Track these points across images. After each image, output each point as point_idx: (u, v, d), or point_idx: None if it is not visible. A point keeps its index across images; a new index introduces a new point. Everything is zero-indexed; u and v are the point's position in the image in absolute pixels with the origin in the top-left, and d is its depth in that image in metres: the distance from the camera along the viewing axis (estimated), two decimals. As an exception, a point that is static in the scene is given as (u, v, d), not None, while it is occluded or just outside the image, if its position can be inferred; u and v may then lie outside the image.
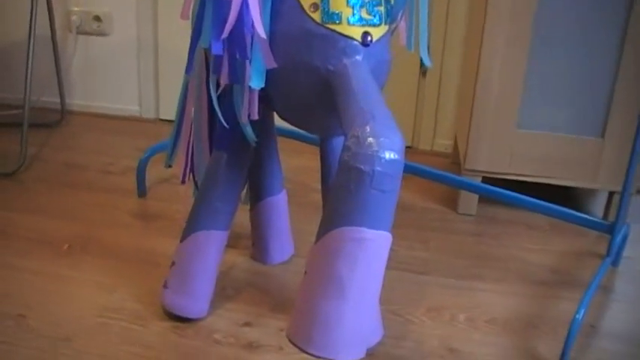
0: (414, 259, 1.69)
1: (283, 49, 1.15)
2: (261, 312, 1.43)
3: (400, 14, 1.26)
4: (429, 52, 1.24)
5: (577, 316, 1.31)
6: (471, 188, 1.84)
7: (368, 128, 1.01)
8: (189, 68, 1.30)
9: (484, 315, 1.48)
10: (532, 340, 1.40)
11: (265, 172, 1.53)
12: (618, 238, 1.60)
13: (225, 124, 1.27)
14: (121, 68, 2.62)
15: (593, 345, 1.40)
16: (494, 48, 1.78)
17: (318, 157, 1.41)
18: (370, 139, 1.00)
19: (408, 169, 1.80)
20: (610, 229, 1.57)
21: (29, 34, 2.20)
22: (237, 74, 1.17)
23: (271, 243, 1.59)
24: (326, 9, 1.13)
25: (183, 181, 1.52)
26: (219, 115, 1.27)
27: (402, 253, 1.71)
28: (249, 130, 1.26)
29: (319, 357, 1.04)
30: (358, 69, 1.12)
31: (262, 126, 1.39)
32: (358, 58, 1.14)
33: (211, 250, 1.36)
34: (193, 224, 1.36)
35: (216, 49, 1.14)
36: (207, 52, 1.31)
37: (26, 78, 2.19)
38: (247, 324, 1.39)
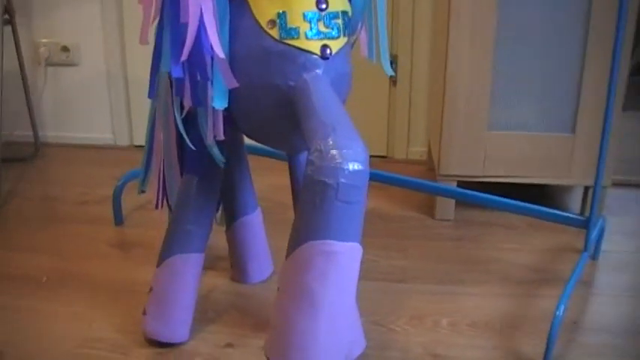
0: (393, 268, 1.69)
1: (243, 68, 1.16)
2: (243, 332, 1.42)
3: (359, 25, 1.27)
4: (393, 63, 1.25)
5: (557, 313, 1.31)
6: (446, 194, 1.85)
7: (330, 141, 1.01)
8: (151, 92, 1.30)
9: (466, 319, 1.48)
10: (516, 340, 1.40)
11: (238, 191, 1.53)
12: (594, 232, 1.60)
13: (192, 147, 1.27)
14: (92, 97, 2.61)
15: (576, 340, 1.40)
16: (460, 52, 1.79)
17: (289, 174, 1.41)
18: (333, 152, 1.00)
19: (384, 179, 1.81)
20: (585, 224, 1.58)
21: (-2, 69, 2.19)
22: (200, 96, 1.17)
23: (250, 262, 1.58)
24: (283, 25, 1.13)
25: (157, 206, 1.51)
26: (186, 138, 1.27)
27: (381, 262, 1.70)
28: (216, 152, 1.26)
29: (297, 373, 1.03)
30: (318, 83, 1.12)
31: (231, 146, 1.38)
32: (318, 72, 1.14)
33: (188, 273, 1.35)
34: (168, 249, 1.36)
35: (176, 72, 1.14)
36: (170, 75, 1.31)
37: (-3, 113, 2.18)
38: (229, 345, 1.38)
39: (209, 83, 1.14)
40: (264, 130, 1.25)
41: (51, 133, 2.67)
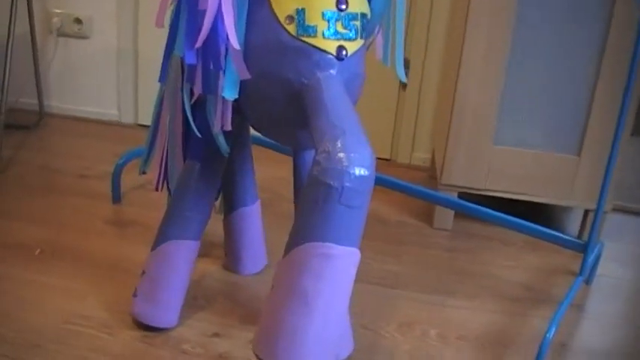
0: (386, 273, 1.68)
1: (257, 61, 1.15)
2: (231, 323, 1.42)
3: (377, 29, 1.26)
4: (404, 67, 1.24)
5: (547, 335, 1.31)
6: (446, 204, 1.84)
7: (339, 143, 1.01)
8: (162, 76, 1.30)
9: (455, 331, 1.47)
10: (503, 358, 1.40)
11: (239, 182, 1.52)
12: (591, 258, 1.60)
13: (198, 134, 1.26)
14: (100, 72, 2.60)
15: (563, 364, 1.40)
16: (472, 64, 1.79)
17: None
18: (340, 155, 1.00)
19: (385, 183, 1.80)
20: (584, 248, 1.57)
21: (8, 35, 2.18)
22: (211, 84, 1.16)
23: (244, 253, 1.58)
24: (301, 22, 1.12)
25: (157, 189, 1.51)
26: (192, 124, 1.26)
27: (375, 266, 1.70)
28: (221, 141, 1.25)
29: (283, 371, 1.03)
30: (331, 83, 1.12)
31: (237, 137, 1.38)
32: (332, 72, 1.13)
33: (181, 260, 1.35)
34: (164, 233, 1.35)
35: (190, 58, 1.13)
36: (182, 60, 1.30)
37: (4, 79, 2.17)
38: (217, 334, 1.38)
39: (221, 72, 1.14)
40: (271, 124, 1.24)
41: (56, 103, 2.66)
